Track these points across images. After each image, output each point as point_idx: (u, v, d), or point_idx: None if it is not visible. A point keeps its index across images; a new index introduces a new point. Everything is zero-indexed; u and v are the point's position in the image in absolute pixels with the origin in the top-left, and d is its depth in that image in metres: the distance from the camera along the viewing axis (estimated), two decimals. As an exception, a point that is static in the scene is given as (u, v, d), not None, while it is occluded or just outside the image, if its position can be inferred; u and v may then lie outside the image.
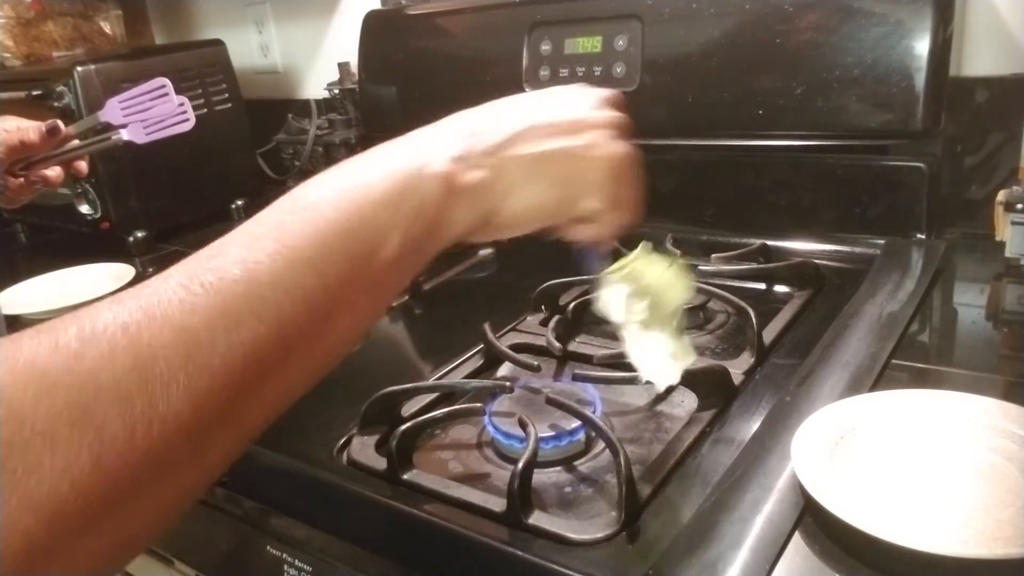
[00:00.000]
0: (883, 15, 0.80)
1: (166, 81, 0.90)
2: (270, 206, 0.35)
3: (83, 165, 0.92)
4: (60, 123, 0.87)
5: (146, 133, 0.90)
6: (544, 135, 0.40)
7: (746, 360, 0.67)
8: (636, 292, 0.53)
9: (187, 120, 0.91)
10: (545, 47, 1.03)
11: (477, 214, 0.39)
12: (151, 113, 0.90)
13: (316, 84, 1.45)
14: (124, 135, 0.90)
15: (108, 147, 0.91)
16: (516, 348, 0.73)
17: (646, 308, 0.53)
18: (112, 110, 0.90)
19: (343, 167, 0.38)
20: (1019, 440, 0.50)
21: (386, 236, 0.35)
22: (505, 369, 0.72)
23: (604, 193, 0.41)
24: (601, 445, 0.59)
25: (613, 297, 0.54)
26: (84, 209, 1.22)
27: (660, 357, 0.55)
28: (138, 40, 1.70)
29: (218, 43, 1.37)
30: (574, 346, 0.74)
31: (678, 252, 0.62)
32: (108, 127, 0.91)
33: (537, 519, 0.50)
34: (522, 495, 0.50)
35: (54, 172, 0.89)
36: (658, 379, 0.54)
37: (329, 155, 1.30)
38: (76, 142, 0.90)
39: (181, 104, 0.90)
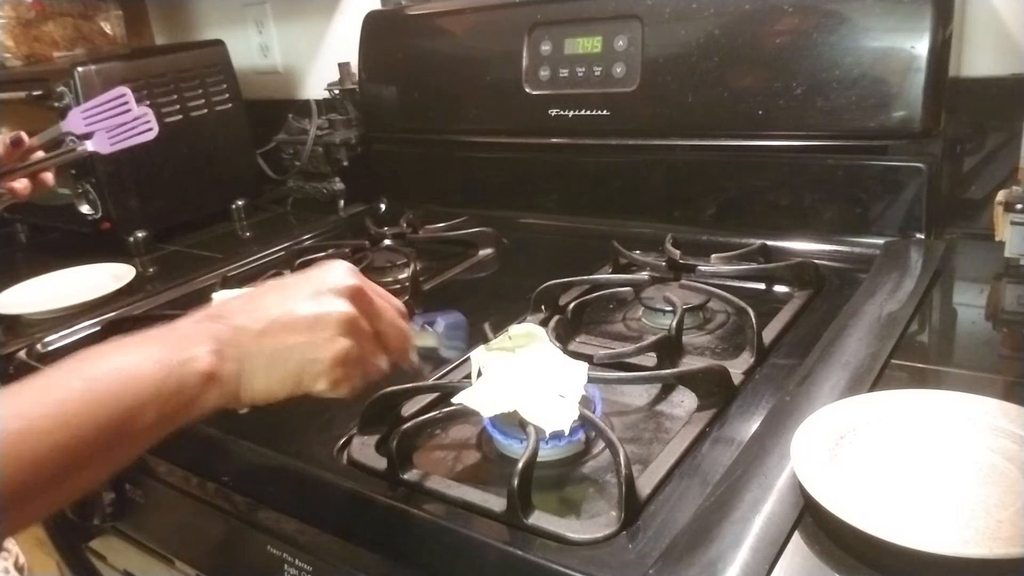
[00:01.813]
0: (883, 15, 0.80)
1: (126, 90, 0.90)
2: (60, 369, 0.44)
3: (49, 177, 0.90)
4: (23, 135, 0.86)
5: (110, 143, 0.89)
6: (286, 331, 0.49)
7: (746, 360, 0.67)
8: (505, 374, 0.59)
9: (151, 129, 0.90)
10: (545, 47, 1.03)
11: (227, 397, 0.48)
12: (114, 122, 0.89)
13: (316, 84, 1.45)
14: (89, 146, 0.89)
15: (74, 158, 0.91)
16: (516, 348, 0.73)
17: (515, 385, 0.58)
18: (75, 120, 0.90)
19: (122, 346, 0.47)
20: (1019, 440, 0.50)
21: (143, 411, 0.44)
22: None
23: (327, 379, 0.51)
24: (601, 445, 0.59)
25: (478, 398, 0.57)
26: (84, 209, 1.22)
27: (549, 406, 0.56)
28: (138, 40, 1.70)
29: (218, 43, 1.37)
30: (574, 346, 0.74)
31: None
32: (71, 138, 0.90)
33: (537, 519, 0.50)
34: (522, 495, 0.50)
35: (21, 184, 0.87)
36: (551, 424, 0.54)
37: (329, 155, 1.30)
38: (41, 154, 0.89)
39: (145, 115, 0.90)
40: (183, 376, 0.45)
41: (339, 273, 0.53)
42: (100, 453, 0.43)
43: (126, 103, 0.89)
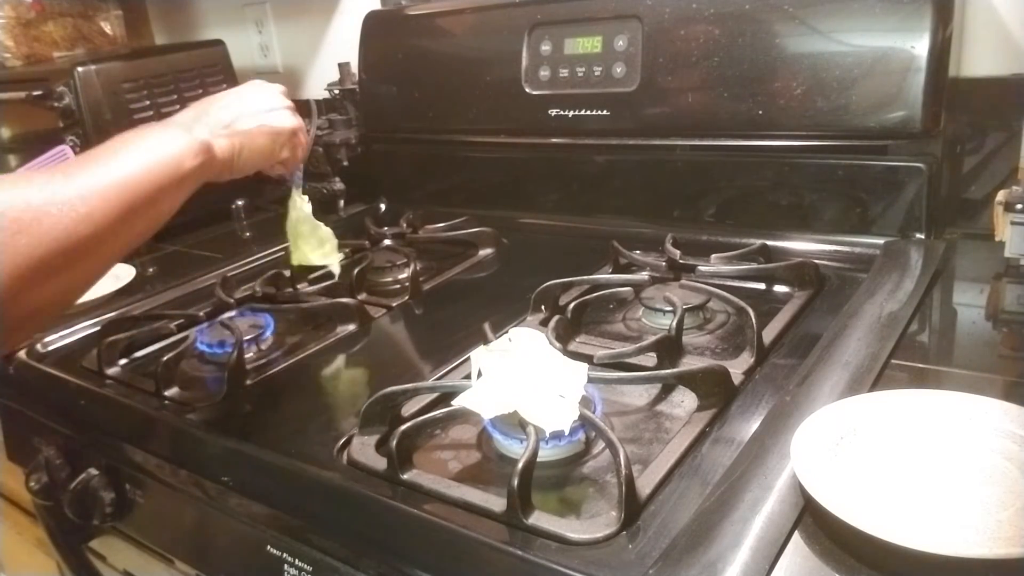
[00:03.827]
0: (883, 15, 0.80)
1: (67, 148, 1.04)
2: (84, 156, 0.59)
3: None
4: None
5: None
6: (253, 114, 0.73)
7: (746, 360, 0.67)
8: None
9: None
10: (545, 47, 1.03)
11: (217, 170, 0.67)
12: None
13: (316, 84, 1.45)
14: None
15: None
16: (516, 348, 0.72)
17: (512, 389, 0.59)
18: None
19: (130, 140, 0.60)
20: (1019, 440, 0.50)
21: (170, 179, 0.61)
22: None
23: (289, 145, 0.76)
24: (601, 445, 0.59)
25: (477, 399, 0.57)
26: (84, 209, 1.22)
27: (549, 406, 0.56)
28: (138, 40, 1.70)
29: (218, 43, 1.37)
30: (574, 346, 0.74)
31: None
32: None
33: (537, 519, 0.50)
34: (522, 495, 0.50)
35: None
36: (551, 424, 0.55)
37: (329, 155, 1.30)
38: None
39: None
40: (183, 160, 0.62)
41: (282, 95, 0.77)
42: (120, 219, 0.57)
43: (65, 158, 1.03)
